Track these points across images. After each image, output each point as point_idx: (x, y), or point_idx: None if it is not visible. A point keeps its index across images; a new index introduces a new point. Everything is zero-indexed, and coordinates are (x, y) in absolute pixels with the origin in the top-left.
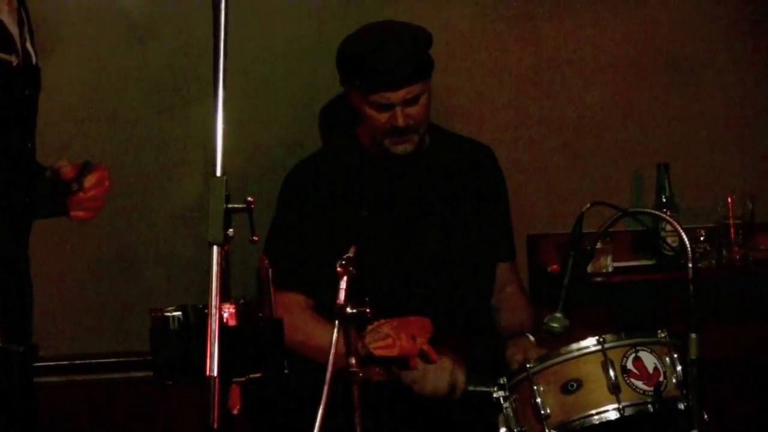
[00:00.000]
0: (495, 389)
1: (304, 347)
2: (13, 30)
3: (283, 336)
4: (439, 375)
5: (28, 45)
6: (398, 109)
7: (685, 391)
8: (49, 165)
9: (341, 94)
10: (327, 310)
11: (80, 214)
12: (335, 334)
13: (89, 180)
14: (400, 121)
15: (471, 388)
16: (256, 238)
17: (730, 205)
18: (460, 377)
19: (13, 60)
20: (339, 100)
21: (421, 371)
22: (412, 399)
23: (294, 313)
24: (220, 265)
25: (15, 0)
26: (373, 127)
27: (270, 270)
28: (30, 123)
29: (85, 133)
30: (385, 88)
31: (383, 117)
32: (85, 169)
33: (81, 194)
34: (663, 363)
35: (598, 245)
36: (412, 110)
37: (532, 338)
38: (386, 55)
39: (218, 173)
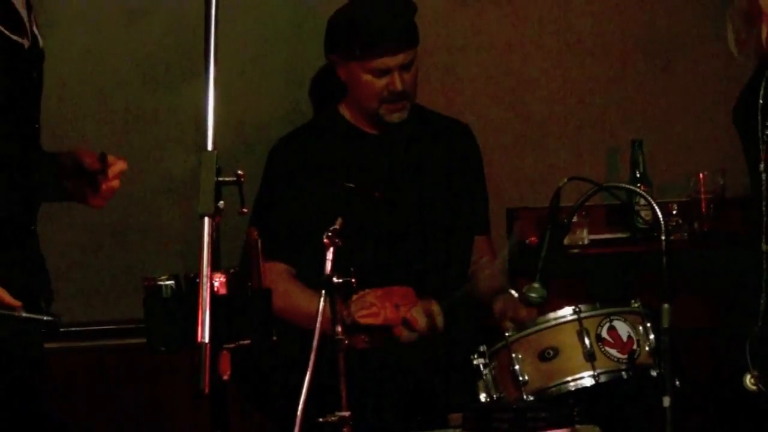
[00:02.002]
0: (475, 357)
1: (287, 313)
2: (24, 14)
3: (271, 305)
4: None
5: (35, 28)
6: (396, 74)
7: (657, 359)
8: (53, 150)
9: (327, 68)
10: (311, 280)
11: (98, 201)
12: (322, 303)
13: (113, 171)
14: (399, 85)
15: (444, 304)
16: (245, 210)
17: (701, 180)
18: (435, 308)
19: (25, 42)
20: (326, 73)
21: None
22: (396, 366)
23: (278, 281)
24: (211, 235)
25: None
26: (370, 95)
27: (258, 241)
28: (36, 105)
29: (79, 109)
30: (385, 54)
31: (380, 83)
32: (104, 160)
33: (104, 184)
34: (636, 332)
35: (575, 219)
36: (407, 76)
37: (516, 294)
38: (384, 22)
39: (209, 147)
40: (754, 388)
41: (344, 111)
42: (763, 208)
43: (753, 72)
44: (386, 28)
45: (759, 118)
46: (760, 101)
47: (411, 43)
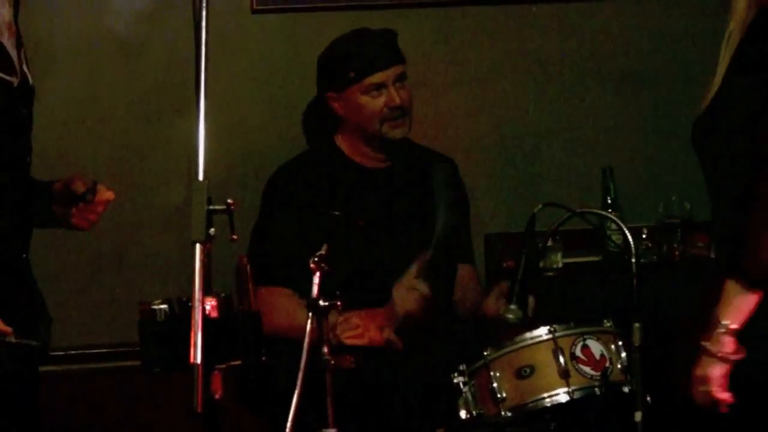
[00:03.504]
0: (455, 375)
1: (293, 332)
2: (13, 53)
3: (261, 326)
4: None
5: (25, 66)
6: (392, 88)
7: (629, 376)
8: (49, 179)
9: (316, 102)
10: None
11: (81, 223)
12: (309, 326)
13: (99, 196)
14: (397, 100)
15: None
16: (235, 237)
17: (670, 205)
18: (422, 287)
19: (14, 81)
20: (317, 108)
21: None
22: (380, 386)
23: (282, 302)
24: (203, 261)
25: (15, 24)
26: (371, 116)
27: (248, 267)
28: (27, 139)
29: (78, 143)
30: (377, 68)
31: (379, 101)
32: (95, 186)
33: (87, 206)
34: (609, 350)
35: (549, 243)
36: (402, 92)
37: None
38: (370, 44)
39: (201, 178)
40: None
41: (340, 143)
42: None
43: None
44: (373, 49)
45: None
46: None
47: (399, 59)
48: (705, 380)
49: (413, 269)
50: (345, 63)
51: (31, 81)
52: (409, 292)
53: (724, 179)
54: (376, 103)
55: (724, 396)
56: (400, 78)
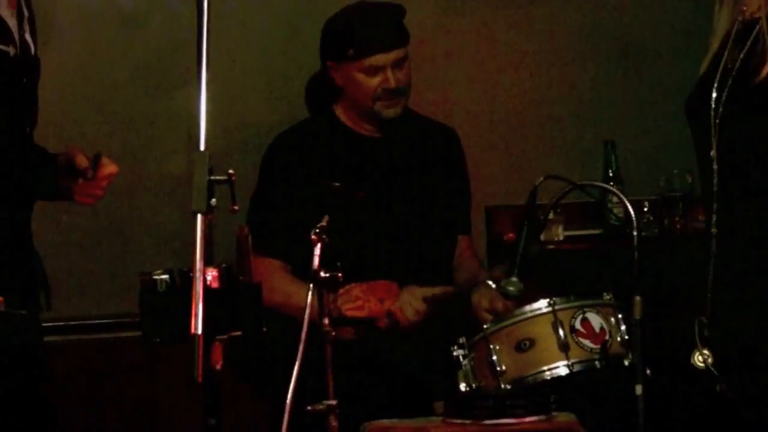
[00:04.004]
0: (455, 348)
1: (284, 307)
2: (11, 22)
3: (261, 298)
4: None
5: (27, 36)
6: (389, 71)
7: (629, 349)
8: (54, 152)
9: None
10: (302, 275)
11: (85, 199)
12: (309, 297)
13: (102, 171)
14: (393, 82)
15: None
16: (236, 208)
17: (671, 178)
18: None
19: (11, 50)
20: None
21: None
22: (381, 356)
23: (274, 276)
24: (204, 232)
25: None
26: (365, 94)
27: (249, 237)
28: (29, 110)
29: (79, 114)
30: (378, 50)
31: (375, 81)
32: (97, 160)
33: (90, 182)
34: (608, 323)
35: (551, 216)
36: (400, 74)
37: (493, 285)
38: (375, 22)
39: (202, 148)
40: (701, 365)
41: (339, 112)
42: (714, 193)
43: (708, 62)
44: (376, 28)
45: (712, 105)
46: (714, 87)
47: (401, 41)
48: None
49: (433, 290)
50: (345, 39)
51: (33, 51)
52: (411, 304)
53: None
54: (371, 81)
55: None
56: (400, 62)
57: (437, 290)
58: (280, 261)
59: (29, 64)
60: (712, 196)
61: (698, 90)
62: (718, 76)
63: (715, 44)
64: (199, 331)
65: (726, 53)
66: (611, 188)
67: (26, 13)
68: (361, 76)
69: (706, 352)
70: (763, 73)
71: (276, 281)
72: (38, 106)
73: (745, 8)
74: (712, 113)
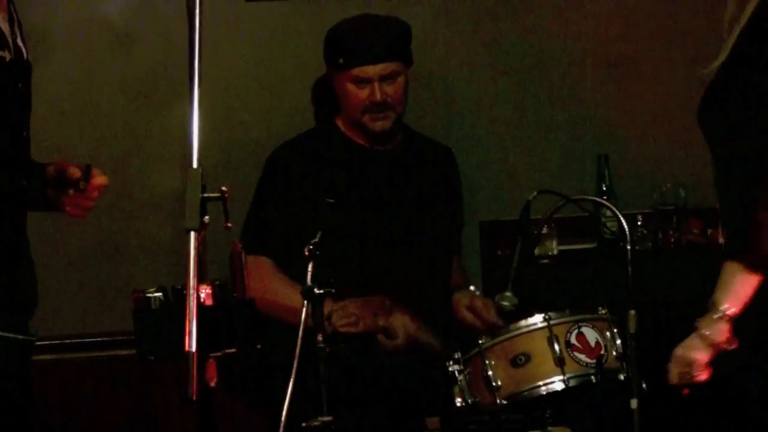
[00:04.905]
0: (450, 363)
1: (274, 306)
2: (5, 27)
3: (256, 314)
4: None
5: (19, 41)
6: (376, 84)
7: (624, 363)
8: (44, 162)
9: (323, 80)
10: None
11: (76, 211)
12: (304, 314)
13: (93, 182)
14: (378, 96)
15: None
16: (229, 225)
17: (664, 192)
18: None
19: (6, 55)
20: (325, 85)
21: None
22: (376, 372)
23: (264, 274)
24: (197, 249)
25: (5, 1)
26: (354, 105)
27: (243, 254)
28: (24, 115)
29: (72, 130)
30: (364, 62)
31: (363, 93)
32: (88, 171)
33: (81, 193)
34: (604, 337)
35: (544, 230)
36: (389, 88)
37: (474, 289)
38: (365, 34)
39: (195, 165)
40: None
41: (340, 123)
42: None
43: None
44: (366, 39)
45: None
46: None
47: (392, 55)
48: (689, 362)
49: (421, 329)
50: (337, 48)
51: (26, 56)
52: (406, 326)
53: (729, 162)
54: (360, 93)
55: (703, 378)
56: (390, 76)
57: (425, 335)
58: (273, 261)
59: (24, 69)
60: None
61: (710, 95)
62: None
63: (725, 52)
64: (193, 349)
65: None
66: (605, 202)
67: (16, 18)
68: (351, 87)
69: None
70: None
71: (267, 280)
72: (31, 111)
73: None
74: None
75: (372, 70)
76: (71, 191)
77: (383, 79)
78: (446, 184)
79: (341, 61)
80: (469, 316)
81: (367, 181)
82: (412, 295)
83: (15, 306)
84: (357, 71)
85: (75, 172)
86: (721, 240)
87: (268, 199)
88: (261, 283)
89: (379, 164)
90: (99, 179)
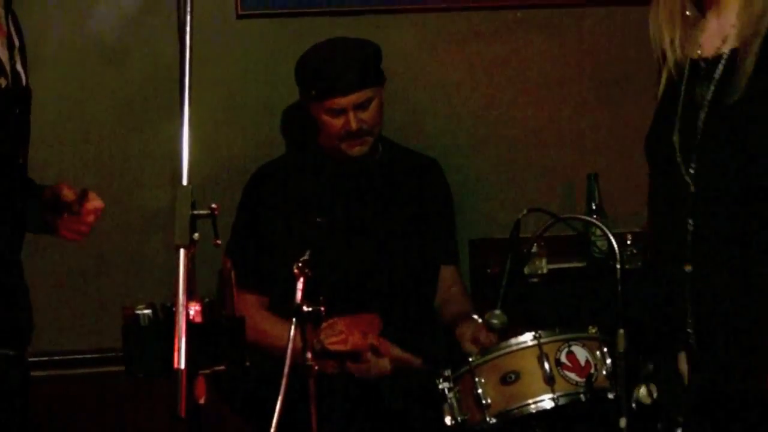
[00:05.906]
0: (440, 381)
1: (259, 344)
2: (2, 53)
3: (245, 332)
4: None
5: (18, 66)
6: (351, 114)
7: (614, 382)
8: (41, 183)
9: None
10: (282, 309)
11: (70, 235)
12: (293, 331)
13: (87, 205)
14: (353, 125)
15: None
16: (219, 242)
17: None
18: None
19: (2, 82)
20: (300, 108)
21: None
22: (364, 390)
23: (249, 312)
24: (187, 266)
25: (5, 25)
26: (330, 133)
27: (232, 271)
28: (21, 141)
29: (63, 148)
30: (336, 94)
31: (338, 122)
32: (83, 195)
33: (75, 217)
34: (594, 356)
35: (534, 249)
36: (364, 115)
37: (479, 319)
38: (335, 65)
39: (185, 182)
40: (648, 400)
41: (322, 141)
42: (689, 228)
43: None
44: (336, 70)
45: (679, 156)
46: (675, 137)
47: (364, 83)
48: None
49: (403, 354)
50: (309, 80)
51: (25, 82)
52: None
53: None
54: (335, 122)
55: None
56: (363, 104)
57: (406, 356)
58: (256, 295)
59: (21, 95)
60: (687, 232)
61: (658, 127)
62: (679, 111)
63: (663, 83)
64: (182, 366)
65: (683, 88)
66: (594, 221)
67: (17, 43)
68: (325, 117)
69: (651, 386)
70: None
71: (251, 318)
72: (30, 136)
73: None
74: (681, 162)
75: (345, 101)
76: (66, 214)
77: (357, 107)
78: (431, 195)
79: (313, 92)
80: (473, 350)
81: (351, 199)
82: (399, 310)
83: (12, 332)
84: (329, 103)
85: (69, 195)
86: None
87: (249, 225)
88: (248, 323)
89: (362, 181)
90: (94, 203)
